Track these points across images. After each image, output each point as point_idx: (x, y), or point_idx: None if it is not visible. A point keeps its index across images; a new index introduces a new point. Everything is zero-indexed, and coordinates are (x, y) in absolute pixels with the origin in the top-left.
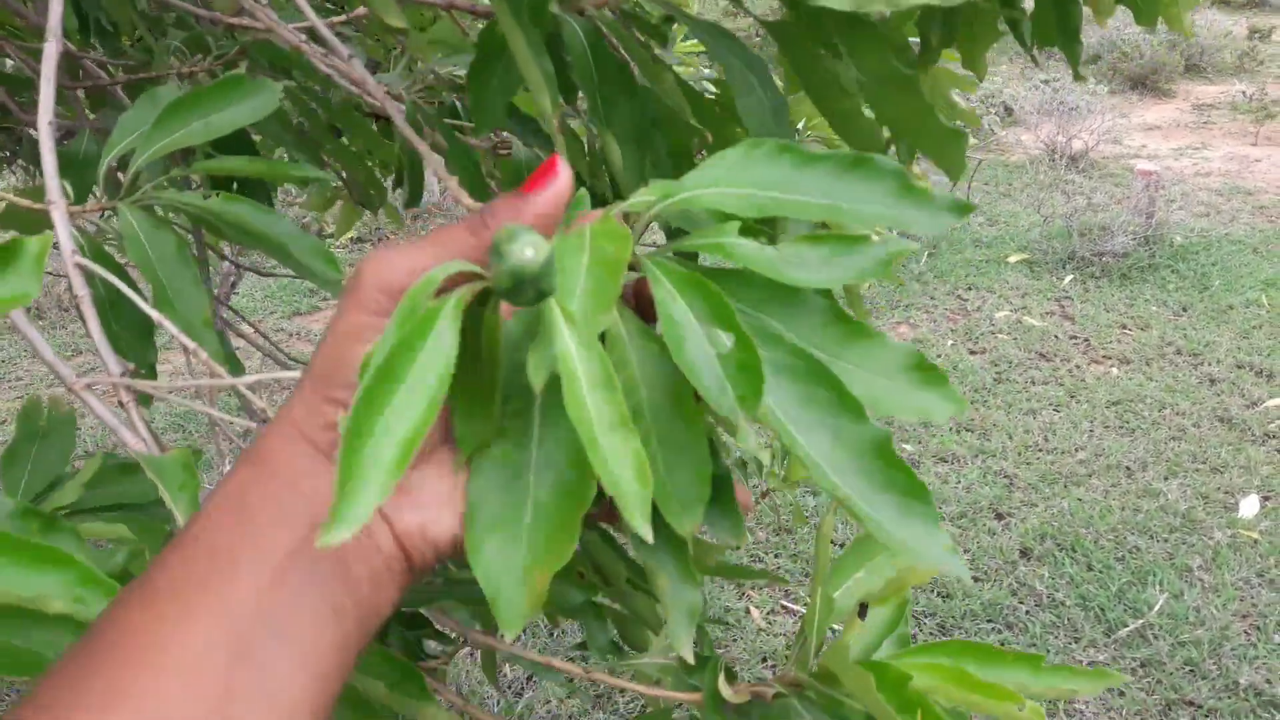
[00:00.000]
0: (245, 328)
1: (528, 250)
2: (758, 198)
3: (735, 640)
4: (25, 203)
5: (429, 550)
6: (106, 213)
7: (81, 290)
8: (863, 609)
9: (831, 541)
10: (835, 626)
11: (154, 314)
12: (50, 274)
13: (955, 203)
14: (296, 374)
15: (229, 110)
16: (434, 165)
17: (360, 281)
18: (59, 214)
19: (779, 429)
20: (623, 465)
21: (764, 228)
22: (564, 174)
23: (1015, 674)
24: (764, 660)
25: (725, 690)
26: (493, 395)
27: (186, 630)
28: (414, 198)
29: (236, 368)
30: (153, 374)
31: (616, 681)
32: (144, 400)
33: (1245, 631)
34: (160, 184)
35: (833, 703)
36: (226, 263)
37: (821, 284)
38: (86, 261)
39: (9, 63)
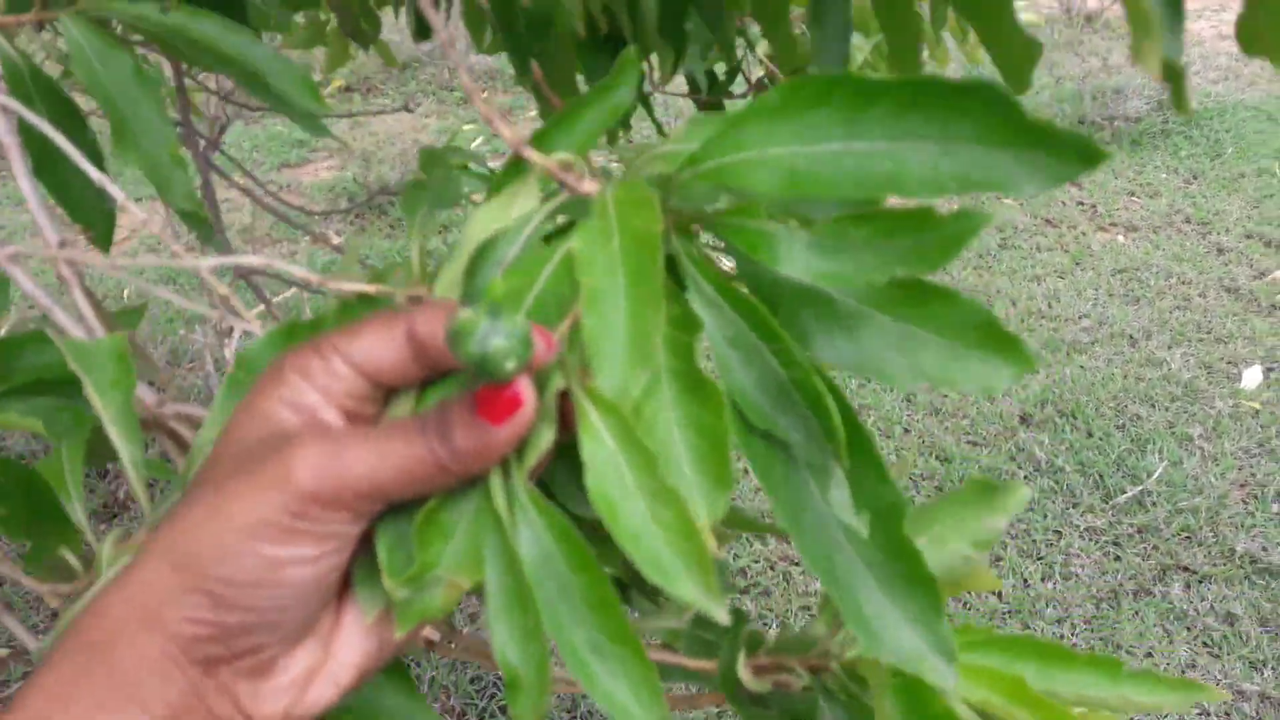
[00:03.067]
0: (226, 180)
1: (509, 363)
2: (796, 168)
3: None
4: None
5: None
6: (43, 27)
7: (8, 137)
8: None
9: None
10: None
11: (96, 174)
12: None
13: (1081, 144)
14: (260, 260)
15: None
16: (430, 15)
17: (294, 477)
18: None
19: (792, 475)
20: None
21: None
22: (529, 406)
23: (1086, 680)
24: (761, 517)
25: (745, 675)
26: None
27: None
28: (423, 30)
29: (205, 227)
30: (109, 225)
31: None
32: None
33: (1243, 500)
34: None
35: (863, 708)
36: (214, 102)
37: (865, 276)
38: (12, 102)
39: None
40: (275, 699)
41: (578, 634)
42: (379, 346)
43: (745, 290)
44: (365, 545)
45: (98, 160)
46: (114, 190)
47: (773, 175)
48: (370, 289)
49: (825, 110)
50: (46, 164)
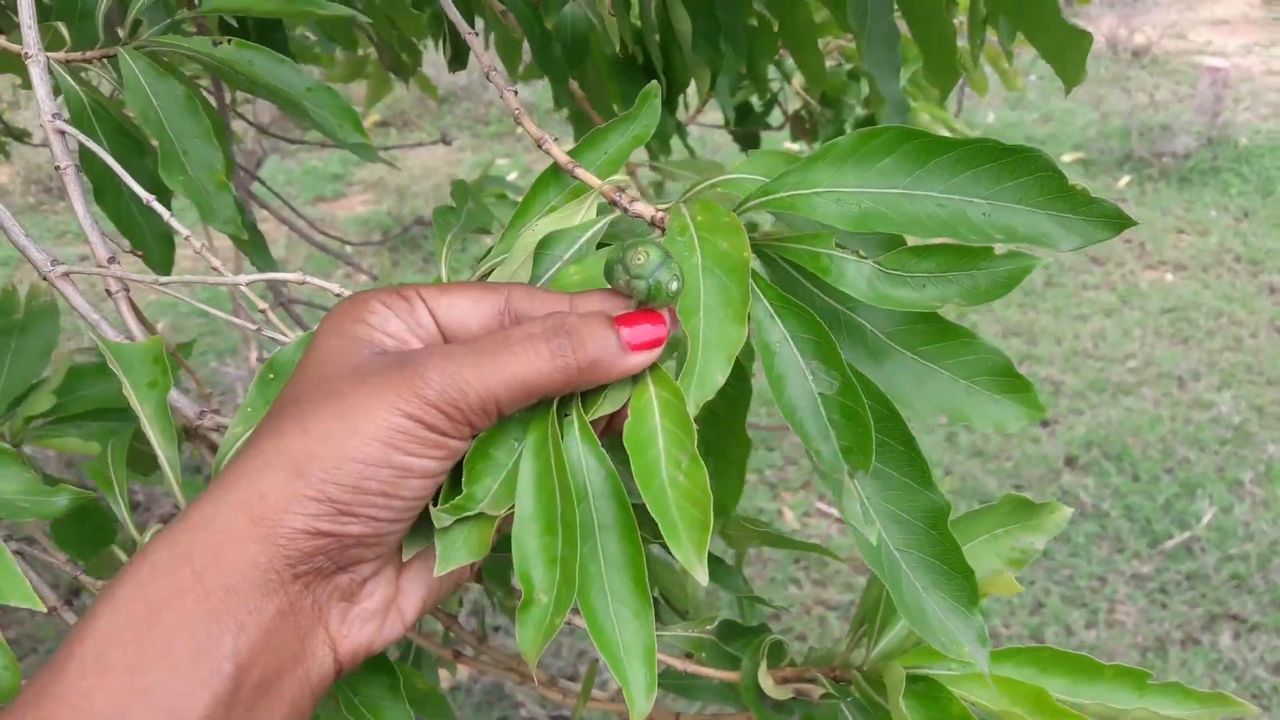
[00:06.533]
0: (264, 210)
1: (674, 284)
2: (862, 205)
3: None
4: (14, 48)
5: (363, 659)
6: (106, 62)
7: (64, 160)
8: None
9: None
10: None
11: (145, 194)
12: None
13: (1114, 212)
14: (298, 277)
15: None
16: (470, 39)
17: (423, 387)
18: (37, 68)
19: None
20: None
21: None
22: (667, 330)
23: (1112, 693)
24: (796, 561)
25: (766, 683)
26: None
27: None
28: (458, 58)
29: (258, 241)
30: (168, 249)
31: None
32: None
33: None
34: (165, 29)
35: (885, 715)
36: (251, 135)
37: (926, 305)
38: (67, 126)
39: None
40: (361, 627)
41: (606, 569)
42: (468, 308)
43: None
44: None
45: (159, 189)
46: (159, 207)
47: (841, 209)
48: None
49: (892, 159)
50: (108, 191)
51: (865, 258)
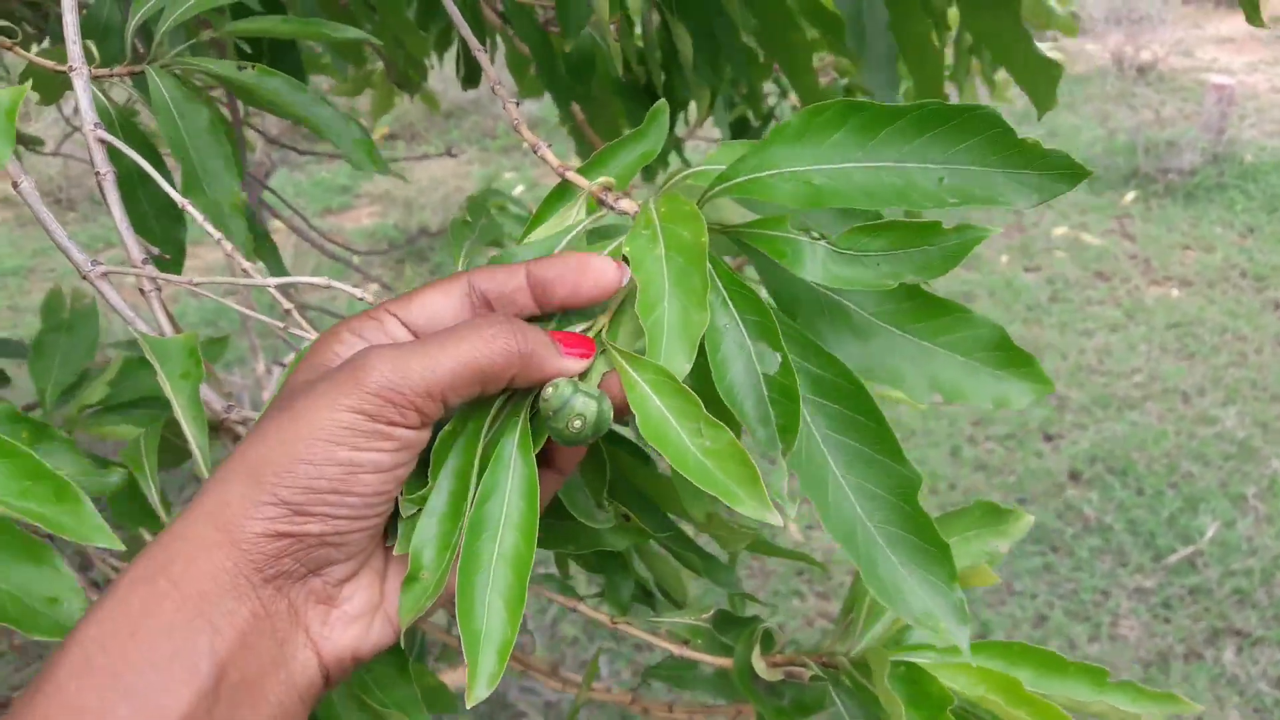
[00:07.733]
0: (274, 218)
1: (576, 423)
2: (814, 183)
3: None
4: (48, 64)
5: (354, 665)
6: (130, 79)
7: (104, 167)
8: None
9: None
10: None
11: (179, 198)
12: (83, 161)
13: (1068, 163)
14: (324, 281)
15: None
16: (480, 57)
17: (365, 379)
18: (80, 80)
19: (815, 451)
20: (727, 464)
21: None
22: (592, 351)
23: (1075, 687)
24: (799, 574)
25: (759, 665)
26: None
27: None
28: (471, 77)
29: (270, 249)
30: (180, 254)
31: (643, 635)
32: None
33: None
34: (190, 48)
35: (870, 697)
36: (260, 146)
37: (879, 282)
38: (109, 136)
39: None
40: (344, 630)
41: (496, 558)
42: (437, 303)
43: (764, 295)
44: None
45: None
46: (192, 211)
47: (795, 188)
48: None
49: (842, 133)
50: (125, 200)
51: (819, 238)
